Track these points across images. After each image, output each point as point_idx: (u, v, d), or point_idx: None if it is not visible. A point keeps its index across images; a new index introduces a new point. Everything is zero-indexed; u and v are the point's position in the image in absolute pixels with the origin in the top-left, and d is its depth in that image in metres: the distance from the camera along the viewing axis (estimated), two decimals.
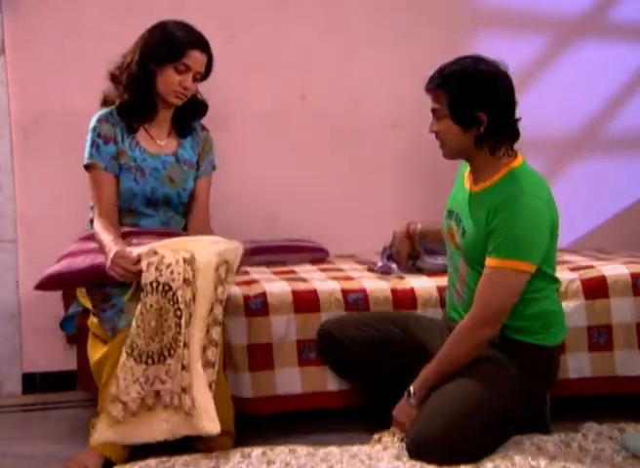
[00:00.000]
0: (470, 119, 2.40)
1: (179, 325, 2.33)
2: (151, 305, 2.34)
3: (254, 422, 2.67)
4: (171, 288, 2.34)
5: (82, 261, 2.55)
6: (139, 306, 2.35)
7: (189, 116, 2.81)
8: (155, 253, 2.40)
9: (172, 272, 2.35)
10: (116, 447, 2.44)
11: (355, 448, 2.40)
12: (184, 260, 2.37)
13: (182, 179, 2.77)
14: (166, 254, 2.39)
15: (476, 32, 3.58)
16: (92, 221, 2.72)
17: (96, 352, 2.51)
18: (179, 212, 2.82)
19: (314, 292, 2.74)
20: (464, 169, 2.60)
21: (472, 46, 3.46)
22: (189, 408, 2.33)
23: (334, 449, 2.40)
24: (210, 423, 2.34)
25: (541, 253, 2.38)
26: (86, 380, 2.64)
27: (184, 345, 2.34)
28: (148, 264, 2.37)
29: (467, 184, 2.54)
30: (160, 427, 2.36)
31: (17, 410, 3.10)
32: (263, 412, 2.68)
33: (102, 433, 2.37)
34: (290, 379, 2.68)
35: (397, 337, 2.61)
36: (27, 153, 3.25)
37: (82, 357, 2.64)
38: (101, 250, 2.56)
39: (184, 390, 2.33)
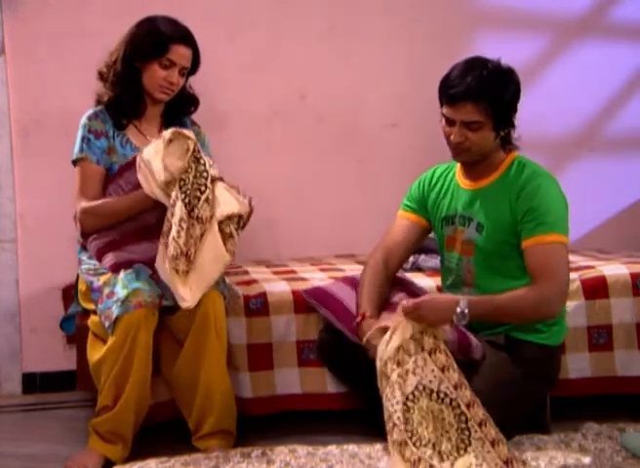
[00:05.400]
0: (508, 122, 2.40)
1: None
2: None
3: (254, 422, 2.67)
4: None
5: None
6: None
7: (180, 111, 2.79)
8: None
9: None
10: (116, 446, 2.44)
11: (355, 448, 2.41)
12: None
13: None
14: None
15: (476, 32, 3.58)
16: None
17: (95, 353, 2.50)
18: None
19: None
20: (445, 179, 2.58)
21: (472, 46, 3.47)
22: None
23: (334, 449, 2.40)
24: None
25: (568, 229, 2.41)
26: (86, 380, 2.64)
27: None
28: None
29: (465, 185, 2.53)
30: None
31: (17, 410, 3.10)
32: (263, 413, 2.68)
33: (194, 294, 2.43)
34: (289, 380, 2.68)
35: None
36: (27, 153, 3.25)
37: (82, 357, 2.64)
38: (124, 204, 2.56)
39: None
